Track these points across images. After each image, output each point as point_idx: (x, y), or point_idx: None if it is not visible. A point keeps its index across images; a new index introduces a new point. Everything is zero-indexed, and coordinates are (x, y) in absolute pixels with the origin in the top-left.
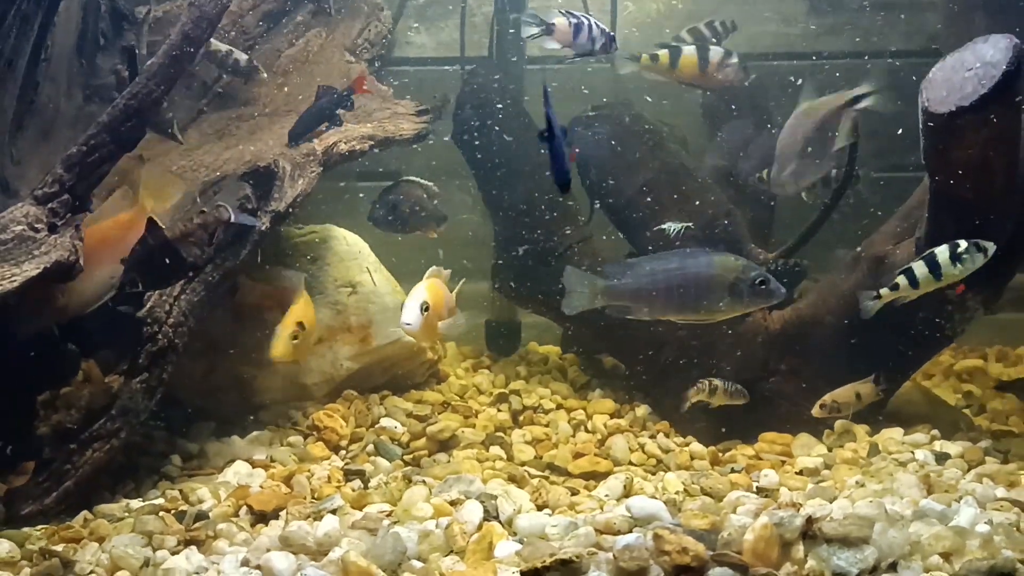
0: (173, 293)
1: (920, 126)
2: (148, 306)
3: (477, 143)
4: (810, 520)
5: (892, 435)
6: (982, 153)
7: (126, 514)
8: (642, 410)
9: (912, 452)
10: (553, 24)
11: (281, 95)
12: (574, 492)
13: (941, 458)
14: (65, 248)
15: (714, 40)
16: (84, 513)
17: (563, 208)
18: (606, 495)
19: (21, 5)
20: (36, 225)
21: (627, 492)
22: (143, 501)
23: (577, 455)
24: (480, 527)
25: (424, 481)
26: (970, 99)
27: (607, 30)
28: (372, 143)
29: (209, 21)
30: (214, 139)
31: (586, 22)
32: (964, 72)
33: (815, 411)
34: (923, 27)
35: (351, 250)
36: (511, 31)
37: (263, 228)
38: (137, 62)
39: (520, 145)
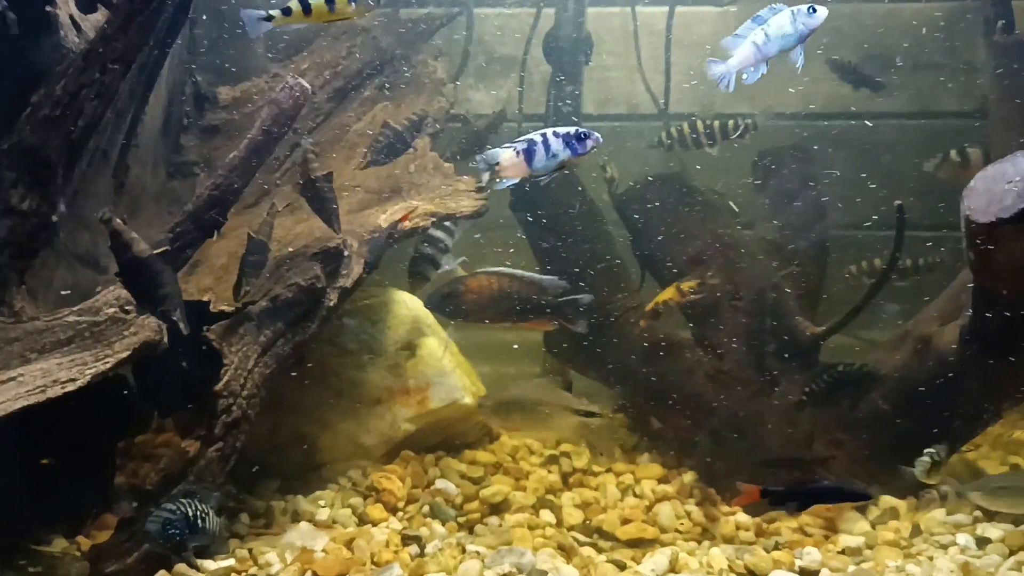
0: (247, 367)
1: (963, 230)
2: (225, 380)
3: (532, 210)
4: None
5: (935, 514)
6: (1022, 257)
7: None
8: (689, 476)
9: (953, 535)
10: (498, 163)
11: (348, 169)
12: (621, 567)
13: (982, 542)
14: (152, 329)
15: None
16: (162, 572)
17: (615, 274)
18: (652, 571)
19: (117, 103)
20: (126, 307)
21: (673, 567)
22: (215, 561)
23: (625, 521)
24: None
25: (478, 552)
26: (1010, 211)
27: (572, 131)
28: (434, 220)
29: (288, 116)
30: (286, 213)
31: (539, 139)
32: (1004, 184)
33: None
34: (975, 88)
35: (410, 313)
36: (569, 89)
37: (331, 304)
38: None
39: (573, 212)
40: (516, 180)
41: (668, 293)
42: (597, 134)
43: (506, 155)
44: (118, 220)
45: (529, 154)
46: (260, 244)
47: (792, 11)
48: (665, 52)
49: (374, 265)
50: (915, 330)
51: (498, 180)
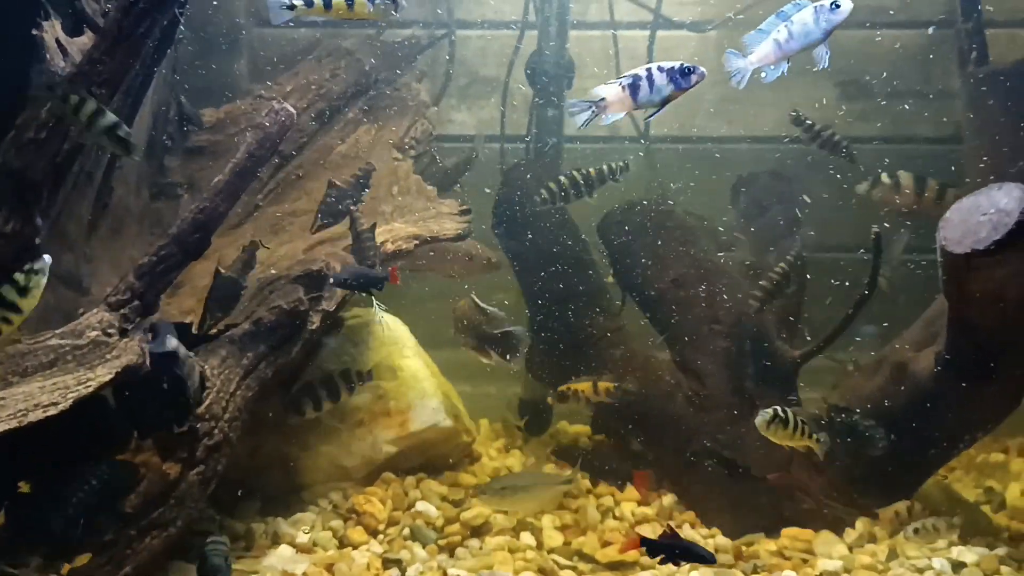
0: (229, 390)
1: (938, 259)
2: (207, 403)
3: (516, 235)
4: None
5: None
6: (997, 287)
7: None
8: (669, 499)
9: (929, 558)
10: (603, 99)
11: None
12: None
13: (957, 566)
14: (134, 352)
15: None
16: None
17: (596, 297)
18: None
19: None
20: (109, 330)
21: None
22: None
23: (605, 543)
24: None
25: (459, 575)
26: (984, 243)
27: (676, 66)
28: (417, 242)
29: (273, 140)
30: (269, 235)
31: (643, 73)
32: (979, 216)
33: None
34: (950, 115)
35: (392, 335)
36: (550, 111)
37: (313, 327)
38: None
39: (556, 238)
40: (621, 115)
41: (584, 385)
42: (702, 69)
43: (612, 90)
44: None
45: (634, 88)
46: (229, 281)
47: (815, 7)
48: None
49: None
50: (891, 356)
51: (603, 117)
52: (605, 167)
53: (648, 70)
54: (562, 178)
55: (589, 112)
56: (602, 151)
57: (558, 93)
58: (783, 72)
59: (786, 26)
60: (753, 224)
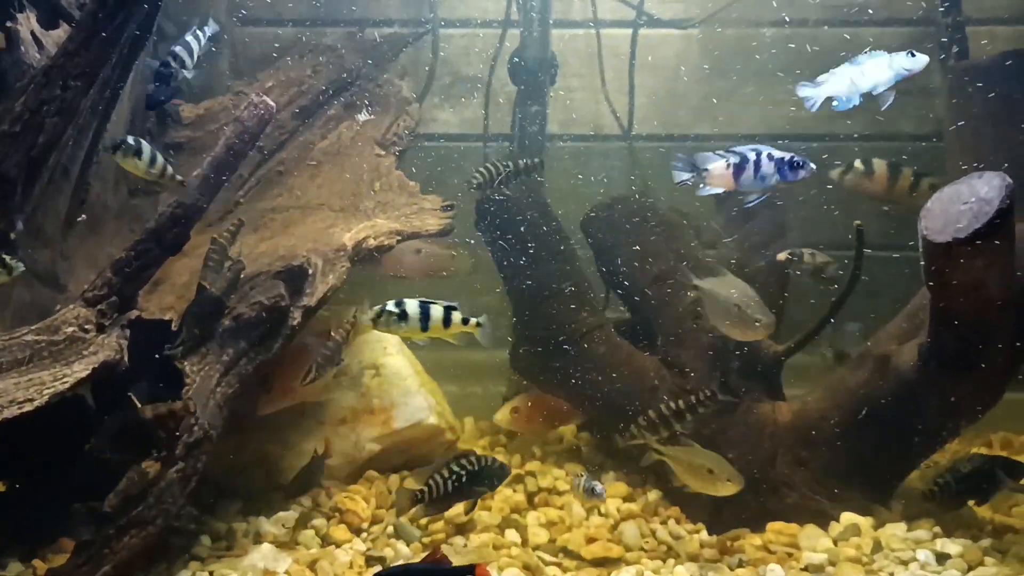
0: (210, 386)
1: (920, 249)
2: (186, 399)
3: (498, 231)
4: None
5: (895, 531)
6: (978, 276)
7: None
8: (654, 495)
9: (914, 551)
10: (706, 169)
11: (313, 187)
12: None
13: (941, 558)
14: (112, 348)
15: None
16: None
17: (580, 293)
18: None
19: (79, 120)
20: (86, 326)
21: None
22: None
23: (590, 540)
24: None
25: None
26: (965, 232)
27: (786, 157)
28: (399, 238)
29: (252, 134)
30: (249, 231)
31: (752, 156)
32: (960, 205)
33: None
34: (932, 113)
35: (375, 333)
36: (533, 108)
37: (295, 323)
38: None
39: (539, 234)
40: (720, 191)
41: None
42: (812, 164)
43: (716, 165)
44: None
45: (739, 169)
46: (212, 299)
47: (891, 55)
48: (629, 73)
49: None
50: (875, 348)
51: (701, 186)
52: (522, 162)
53: (758, 154)
54: (484, 168)
55: (688, 176)
56: (587, 149)
57: (541, 90)
58: (854, 104)
59: (861, 65)
60: (736, 219)
